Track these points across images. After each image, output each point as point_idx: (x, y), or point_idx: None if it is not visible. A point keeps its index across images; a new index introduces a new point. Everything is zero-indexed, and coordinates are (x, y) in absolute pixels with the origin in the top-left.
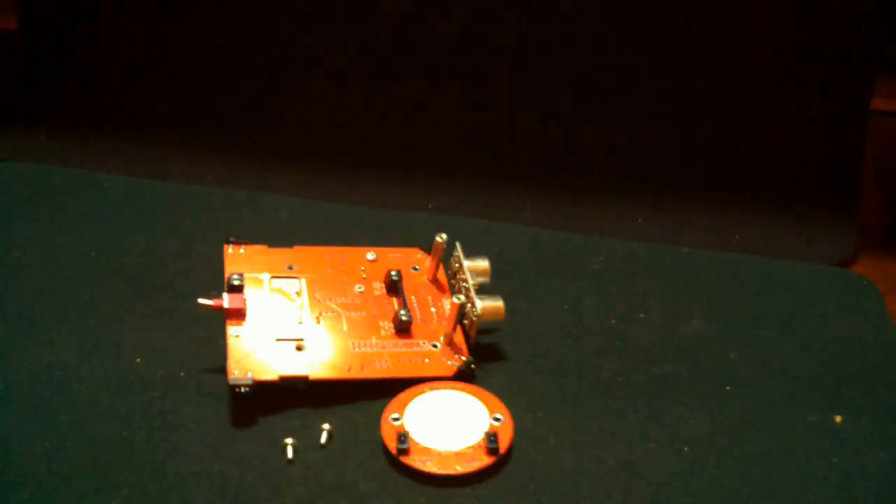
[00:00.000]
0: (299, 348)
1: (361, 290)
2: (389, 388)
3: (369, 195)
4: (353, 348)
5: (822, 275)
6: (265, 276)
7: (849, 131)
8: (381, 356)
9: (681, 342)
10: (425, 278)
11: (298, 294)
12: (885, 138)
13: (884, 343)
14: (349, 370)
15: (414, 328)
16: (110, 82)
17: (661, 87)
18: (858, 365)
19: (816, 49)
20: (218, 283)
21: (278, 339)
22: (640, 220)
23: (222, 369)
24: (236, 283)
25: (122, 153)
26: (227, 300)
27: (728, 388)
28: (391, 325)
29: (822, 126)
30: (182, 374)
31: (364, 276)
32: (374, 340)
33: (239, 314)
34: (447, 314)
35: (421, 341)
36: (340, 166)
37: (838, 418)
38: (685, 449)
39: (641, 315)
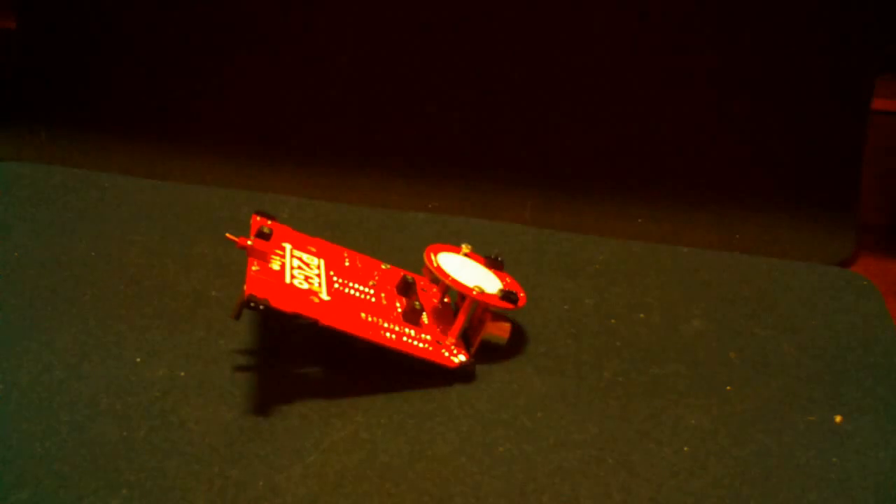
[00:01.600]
0: (315, 298)
1: (374, 283)
2: (389, 385)
3: (369, 195)
4: (365, 317)
5: (821, 275)
6: (287, 246)
7: (849, 131)
8: (391, 330)
9: (681, 342)
10: (433, 300)
11: (317, 268)
12: (885, 138)
13: (884, 343)
14: (358, 328)
15: (422, 322)
16: (110, 82)
17: (661, 88)
18: (858, 365)
19: (817, 49)
20: (218, 282)
21: (296, 286)
22: (640, 220)
23: (222, 369)
24: (266, 231)
25: (122, 153)
26: (253, 241)
27: (728, 388)
28: (402, 312)
29: (822, 126)
30: (182, 374)
31: (377, 277)
32: (386, 322)
33: (262, 256)
34: (454, 318)
35: (427, 335)
36: (340, 166)
37: (838, 418)
38: (685, 449)
39: (641, 315)
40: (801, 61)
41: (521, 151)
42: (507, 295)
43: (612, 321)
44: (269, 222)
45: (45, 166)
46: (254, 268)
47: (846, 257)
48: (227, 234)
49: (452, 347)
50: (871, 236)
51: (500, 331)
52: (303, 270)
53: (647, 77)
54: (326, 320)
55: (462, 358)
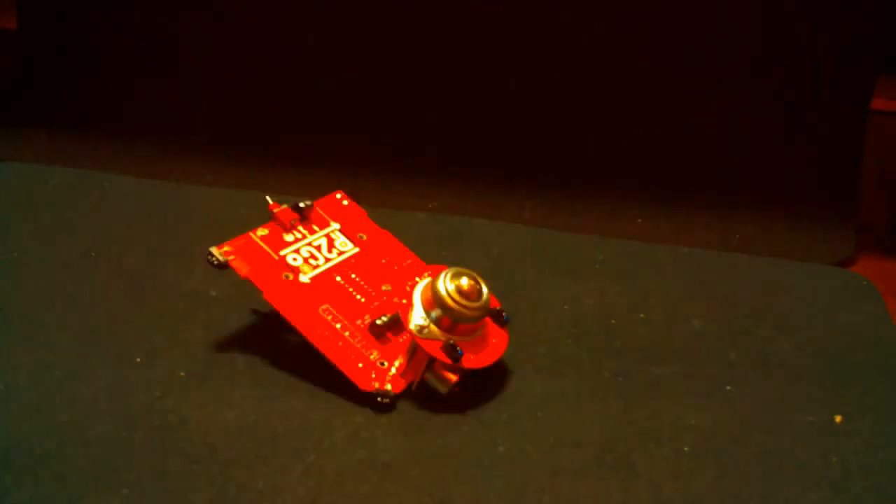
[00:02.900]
0: (288, 275)
1: (388, 289)
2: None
3: (369, 195)
4: (323, 312)
5: (822, 275)
6: (336, 226)
7: (849, 131)
8: (336, 332)
9: (681, 342)
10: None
11: (333, 255)
12: (885, 138)
13: (884, 343)
14: (293, 315)
15: (381, 341)
16: (110, 82)
17: (661, 87)
18: (858, 365)
19: (816, 49)
20: (218, 282)
21: (282, 258)
22: (639, 220)
23: (222, 369)
24: (302, 206)
25: (122, 153)
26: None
27: (728, 388)
28: (368, 321)
29: (822, 126)
30: (182, 374)
31: (409, 287)
32: (339, 324)
33: (282, 225)
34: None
35: (375, 352)
36: (340, 166)
37: (838, 418)
38: (685, 449)
39: (641, 315)
40: (801, 61)
41: (521, 151)
42: (449, 349)
43: (612, 321)
44: (346, 202)
45: (45, 166)
46: (260, 232)
47: (846, 257)
48: (267, 197)
49: (385, 374)
50: (871, 236)
51: (440, 380)
52: (313, 251)
53: (647, 77)
54: (272, 298)
55: (386, 387)
